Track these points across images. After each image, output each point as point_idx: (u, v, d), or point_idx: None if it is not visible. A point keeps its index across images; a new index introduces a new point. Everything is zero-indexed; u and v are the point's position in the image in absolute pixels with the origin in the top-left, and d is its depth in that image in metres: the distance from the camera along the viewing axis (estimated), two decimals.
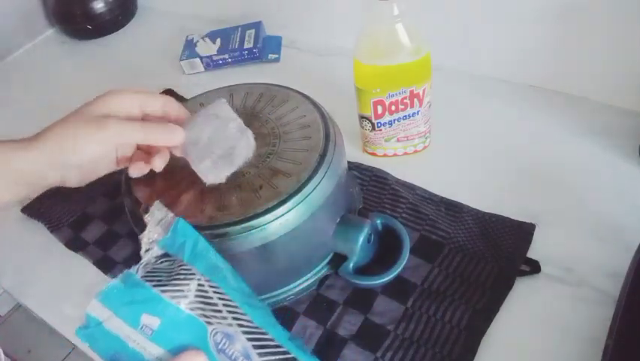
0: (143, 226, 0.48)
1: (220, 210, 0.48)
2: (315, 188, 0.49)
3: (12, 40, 1.07)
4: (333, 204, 0.52)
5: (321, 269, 0.56)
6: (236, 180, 0.49)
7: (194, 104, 0.60)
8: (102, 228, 0.68)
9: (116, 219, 0.68)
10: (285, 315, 0.55)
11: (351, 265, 0.53)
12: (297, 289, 0.55)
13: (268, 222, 0.47)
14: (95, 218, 0.69)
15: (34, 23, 1.10)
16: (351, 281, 0.53)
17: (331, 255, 0.56)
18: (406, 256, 0.53)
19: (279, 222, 0.47)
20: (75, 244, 0.67)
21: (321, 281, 0.57)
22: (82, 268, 0.64)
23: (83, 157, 0.45)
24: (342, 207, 0.55)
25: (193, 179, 0.50)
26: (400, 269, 0.52)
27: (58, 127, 0.45)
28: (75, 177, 0.47)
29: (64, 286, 0.63)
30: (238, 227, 0.46)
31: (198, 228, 0.46)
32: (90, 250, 0.66)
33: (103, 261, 0.64)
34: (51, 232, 0.69)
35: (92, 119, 0.44)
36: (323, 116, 0.55)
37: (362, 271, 0.55)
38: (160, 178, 0.51)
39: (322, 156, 0.50)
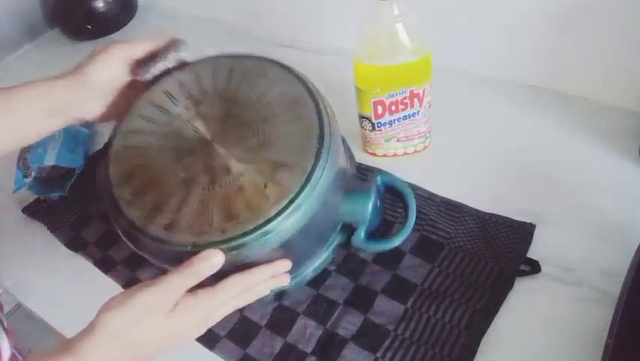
0: (141, 242, 0.46)
1: (229, 220, 0.44)
2: (322, 174, 0.45)
3: (12, 40, 1.07)
4: (339, 180, 0.49)
5: (333, 240, 0.54)
6: (236, 182, 0.46)
7: (156, 92, 0.53)
8: (102, 228, 0.68)
9: None
10: (285, 315, 0.55)
11: (362, 233, 0.51)
12: (313, 267, 0.53)
13: (282, 223, 0.44)
14: (95, 218, 0.69)
15: (34, 23, 1.10)
16: (366, 249, 0.52)
17: (341, 223, 0.53)
18: (414, 213, 0.52)
19: (294, 220, 0.44)
20: (75, 244, 0.67)
21: (321, 281, 0.57)
22: (82, 268, 0.64)
23: (98, 74, 0.51)
24: (344, 179, 0.52)
25: (185, 188, 0.46)
26: (411, 226, 0.51)
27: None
28: (97, 108, 0.52)
29: (64, 286, 0.63)
30: (254, 235, 0.43)
31: (212, 244, 0.43)
32: (90, 250, 0.66)
33: (103, 261, 0.64)
34: (51, 232, 0.69)
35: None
36: (309, 89, 0.50)
37: (373, 235, 0.53)
38: (149, 193, 0.47)
39: (321, 138, 0.46)
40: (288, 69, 0.52)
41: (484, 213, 0.59)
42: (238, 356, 0.53)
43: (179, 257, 0.43)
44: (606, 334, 0.43)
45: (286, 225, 0.44)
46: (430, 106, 0.62)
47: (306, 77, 0.52)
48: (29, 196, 0.73)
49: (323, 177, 0.45)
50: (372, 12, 0.54)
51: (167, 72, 0.53)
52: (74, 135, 0.76)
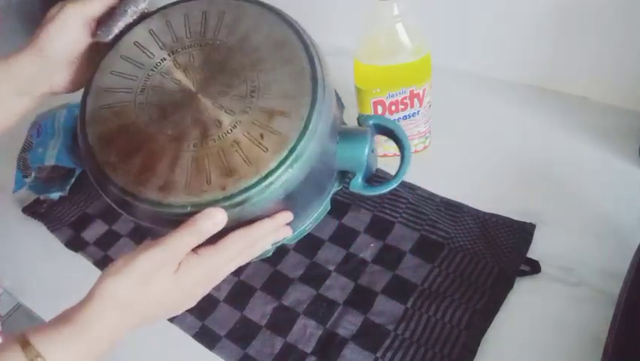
0: (135, 208, 0.43)
1: (228, 175, 0.41)
2: (319, 120, 0.42)
3: (12, 39, 1.07)
4: (334, 125, 0.47)
5: (331, 189, 0.52)
6: (230, 135, 0.42)
7: (126, 44, 0.49)
8: (102, 228, 0.68)
9: (116, 219, 0.68)
10: (285, 315, 0.55)
11: (360, 179, 0.49)
12: (314, 216, 0.51)
13: (285, 174, 0.41)
14: (95, 218, 0.69)
15: (34, 23, 1.10)
16: (365, 193, 0.51)
17: (336, 173, 0.52)
18: (409, 150, 0.50)
19: (296, 170, 0.42)
20: (75, 244, 0.67)
21: (321, 281, 0.57)
22: (82, 268, 0.64)
23: (56, 42, 0.47)
24: (338, 123, 0.49)
25: (175, 145, 0.43)
26: (408, 166, 0.50)
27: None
28: (63, 79, 0.49)
29: (64, 286, 0.63)
30: (256, 189, 0.41)
31: (213, 202, 0.40)
32: (90, 250, 0.66)
33: (103, 261, 0.64)
34: (51, 231, 0.69)
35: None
36: (295, 29, 0.47)
37: (369, 180, 0.51)
38: (137, 155, 0.43)
39: (315, 81, 0.43)
40: (267, 7, 0.48)
41: (484, 213, 0.59)
42: (238, 356, 0.53)
43: (179, 220, 0.41)
44: (606, 334, 0.44)
45: (288, 176, 0.41)
46: (430, 106, 0.62)
47: (288, 16, 0.48)
48: (29, 196, 0.73)
49: (321, 123, 0.43)
50: (372, 12, 0.54)
51: (129, 28, 0.48)
52: (74, 135, 0.76)
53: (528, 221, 0.57)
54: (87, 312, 0.38)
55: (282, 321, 0.55)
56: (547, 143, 0.66)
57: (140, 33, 0.48)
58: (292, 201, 0.45)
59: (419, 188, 0.64)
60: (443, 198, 0.62)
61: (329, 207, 0.52)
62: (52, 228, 0.69)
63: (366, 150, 0.48)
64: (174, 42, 0.47)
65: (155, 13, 0.49)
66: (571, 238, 0.56)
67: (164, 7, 0.49)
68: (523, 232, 0.57)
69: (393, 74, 0.57)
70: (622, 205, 0.58)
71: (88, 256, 0.65)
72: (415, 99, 0.60)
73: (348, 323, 0.53)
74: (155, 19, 0.49)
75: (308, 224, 0.51)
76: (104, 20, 0.48)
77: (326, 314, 0.54)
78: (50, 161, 0.71)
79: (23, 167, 0.73)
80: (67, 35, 0.47)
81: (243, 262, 0.45)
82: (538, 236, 0.56)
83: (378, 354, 0.51)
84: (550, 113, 0.69)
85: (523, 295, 0.53)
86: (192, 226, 0.40)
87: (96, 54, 0.49)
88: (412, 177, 0.65)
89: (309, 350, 0.52)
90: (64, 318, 0.39)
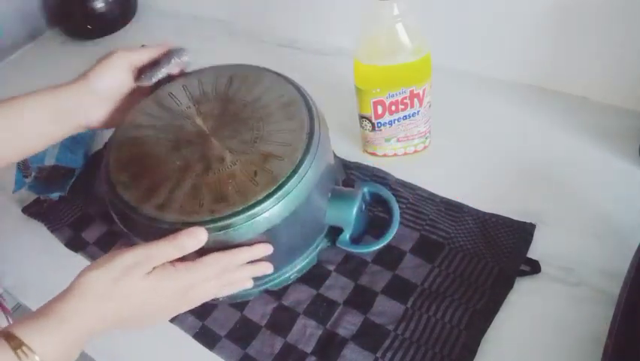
0: (134, 222, 0.47)
1: (219, 202, 0.46)
2: (309, 167, 0.48)
3: (12, 40, 1.07)
4: (325, 180, 0.52)
5: (319, 243, 0.56)
6: (228, 170, 0.48)
7: (161, 93, 0.58)
8: (102, 228, 0.68)
9: None
10: (285, 315, 0.55)
11: (347, 235, 0.55)
12: (300, 266, 0.56)
13: (269, 208, 0.46)
14: (95, 218, 0.69)
15: (34, 23, 1.10)
16: (350, 251, 0.56)
17: (327, 228, 0.57)
18: (397, 219, 0.55)
19: (281, 206, 0.47)
20: (75, 244, 0.67)
21: (321, 281, 0.57)
22: (82, 268, 0.64)
23: (101, 81, 0.53)
24: (331, 182, 0.55)
25: (180, 174, 0.49)
26: (394, 232, 0.54)
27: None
28: (101, 114, 0.55)
29: (64, 286, 0.63)
30: (242, 216, 0.45)
31: (201, 223, 0.45)
32: (90, 250, 0.66)
33: None
34: (51, 232, 0.69)
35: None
36: (302, 93, 0.54)
37: (358, 240, 0.56)
38: (145, 177, 0.50)
39: (310, 135, 0.50)
40: (284, 77, 0.56)
41: (484, 213, 0.59)
42: (238, 356, 0.53)
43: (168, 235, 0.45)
44: (606, 334, 0.44)
45: (273, 210, 0.46)
46: (430, 106, 0.62)
47: (299, 85, 0.56)
48: (29, 196, 0.73)
49: (311, 170, 0.48)
50: (372, 12, 0.54)
51: (169, 79, 0.56)
52: (74, 135, 0.75)
53: (528, 221, 0.57)
54: (65, 304, 0.41)
55: (282, 321, 0.55)
56: (547, 143, 0.66)
57: (175, 86, 0.57)
58: (276, 239, 0.49)
59: (419, 188, 0.64)
60: (443, 198, 0.62)
61: (315, 262, 0.57)
62: (52, 228, 0.69)
63: (354, 210, 0.53)
64: (201, 95, 0.56)
65: (192, 73, 0.59)
66: (571, 238, 0.56)
67: (201, 70, 0.59)
68: (523, 232, 0.57)
69: (393, 74, 0.57)
70: (622, 205, 0.58)
71: (88, 256, 0.65)
72: (415, 99, 0.60)
73: (348, 323, 0.53)
74: (190, 77, 0.58)
75: (293, 273, 0.56)
76: (147, 69, 0.55)
77: (326, 314, 0.54)
78: (50, 161, 0.71)
79: (23, 167, 0.73)
80: (113, 76, 0.54)
81: (220, 290, 0.48)
82: (538, 236, 0.56)
83: (378, 354, 0.51)
84: (550, 113, 0.69)
85: (523, 295, 0.53)
86: (174, 240, 0.43)
87: (135, 99, 0.55)
88: (412, 177, 0.65)
89: (309, 350, 0.52)
90: (45, 310, 0.41)
